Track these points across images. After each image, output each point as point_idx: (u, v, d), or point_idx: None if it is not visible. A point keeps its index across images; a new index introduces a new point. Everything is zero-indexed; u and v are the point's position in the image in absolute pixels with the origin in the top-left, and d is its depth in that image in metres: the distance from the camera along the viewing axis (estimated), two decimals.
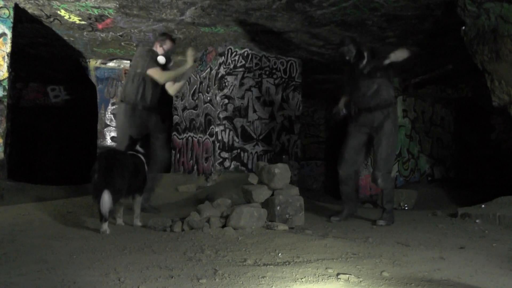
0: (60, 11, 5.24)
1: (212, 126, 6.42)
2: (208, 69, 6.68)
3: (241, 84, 6.46)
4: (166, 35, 4.66)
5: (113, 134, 7.78)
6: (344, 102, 4.50)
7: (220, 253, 2.76)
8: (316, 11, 5.00)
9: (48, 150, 11.36)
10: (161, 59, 4.46)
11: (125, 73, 7.75)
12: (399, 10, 4.88)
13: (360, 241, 3.23)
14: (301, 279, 2.20)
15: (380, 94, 4.18)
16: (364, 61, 4.22)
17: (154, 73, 4.42)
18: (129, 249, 2.83)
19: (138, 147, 3.98)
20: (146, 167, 3.92)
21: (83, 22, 5.61)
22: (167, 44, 4.54)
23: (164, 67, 4.51)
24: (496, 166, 8.29)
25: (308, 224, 3.97)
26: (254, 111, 6.56)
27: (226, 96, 6.34)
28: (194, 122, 7.09)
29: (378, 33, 5.62)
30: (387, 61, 4.09)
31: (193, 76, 7.22)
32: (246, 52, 6.48)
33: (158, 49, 4.53)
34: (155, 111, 4.61)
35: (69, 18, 5.44)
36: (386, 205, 4.23)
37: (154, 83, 4.48)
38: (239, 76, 6.44)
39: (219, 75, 6.37)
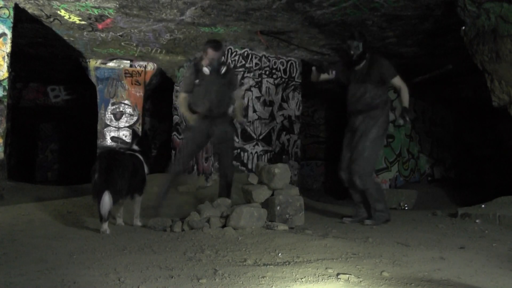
0: (60, 11, 5.25)
1: None
2: None
3: (241, 84, 6.46)
4: (208, 43, 4.38)
5: (113, 134, 7.78)
6: (321, 77, 4.49)
7: (220, 253, 2.76)
8: (316, 11, 5.00)
9: (48, 150, 11.37)
10: (206, 70, 4.28)
11: (125, 73, 7.76)
12: (399, 10, 4.88)
13: (360, 241, 3.23)
14: (301, 279, 2.20)
15: (365, 98, 4.19)
16: (362, 65, 4.24)
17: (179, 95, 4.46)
18: (129, 249, 2.83)
19: (134, 146, 3.97)
20: (145, 166, 3.92)
21: (83, 22, 5.61)
22: (209, 53, 4.27)
23: (217, 74, 4.31)
24: (496, 166, 8.29)
25: (308, 224, 3.97)
26: (254, 111, 6.56)
27: None
28: None
29: (378, 33, 5.62)
30: (390, 81, 4.18)
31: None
32: (246, 52, 6.49)
33: (204, 59, 4.32)
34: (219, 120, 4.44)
35: (69, 18, 5.44)
36: (374, 205, 4.21)
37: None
38: (239, 76, 6.44)
39: None
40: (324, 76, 4.49)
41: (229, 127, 4.50)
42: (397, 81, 4.20)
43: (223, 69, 4.36)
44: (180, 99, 4.48)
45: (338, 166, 4.40)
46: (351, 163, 4.22)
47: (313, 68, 4.54)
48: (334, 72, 4.38)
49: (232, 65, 6.37)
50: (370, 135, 4.16)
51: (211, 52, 4.28)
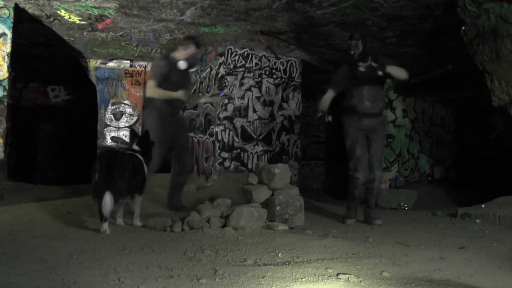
0: (60, 11, 5.24)
1: (212, 126, 6.42)
2: (208, 69, 6.68)
3: (241, 84, 6.46)
4: (191, 39, 4.38)
5: (113, 134, 7.78)
6: (328, 103, 4.49)
7: (220, 253, 2.77)
8: (316, 11, 5.00)
9: (48, 150, 11.35)
10: (182, 64, 4.24)
11: (125, 73, 7.75)
12: (399, 10, 4.88)
13: (360, 241, 3.23)
14: (301, 279, 2.20)
15: (379, 100, 4.27)
16: (366, 64, 4.24)
17: (148, 85, 4.28)
18: (129, 249, 2.83)
19: (134, 146, 3.96)
20: (145, 166, 3.92)
21: (83, 22, 5.61)
22: (191, 49, 4.26)
23: (185, 72, 4.33)
24: (496, 166, 8.28)
25: (308, 224, 3.97)
26: (254, 111, 6.56)
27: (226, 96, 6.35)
28: (194, 122, 7.09)
29: (378, 33, 5.62)
30: (385, 69, 4.19)
31: (193, 76, 7.23)
32: (246, 52, 6.49)
33: (181, 52, 4.29)
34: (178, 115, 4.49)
35: (69, 18, 5.44)
36: (373, 203, 4.27)
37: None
38: (239, 76, 6.44)
39: (219, 75, 6.37)
40: (329, 97, 4.51)
41: (184, 119, 4.55)
42: (395, 68, 4.24)
43: (194, 68, 4.38)
44: (155, 89, 4.25)
45: (355, 166, 4.26)
46: (372, 165, 4.24)
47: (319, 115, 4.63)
48: (330, 117, 4.48)
49: (232, 66, 6.39)
50: (383, 137, 4.34)
51: (193, 48, 4.26)
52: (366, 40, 4.33)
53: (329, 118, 4.47)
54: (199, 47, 4.35)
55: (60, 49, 6.85)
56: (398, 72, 4.23)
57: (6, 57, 5.00)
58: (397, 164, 8.10)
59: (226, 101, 6.31)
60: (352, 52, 4.26)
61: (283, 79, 6.82)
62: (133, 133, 4.25)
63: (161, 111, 4.30)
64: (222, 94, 4.73)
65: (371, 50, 4.52)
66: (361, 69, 4.24)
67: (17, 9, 5.07)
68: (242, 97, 6.46)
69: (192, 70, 4.39)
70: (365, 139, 4.31)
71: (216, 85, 6.41)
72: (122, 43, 6.52)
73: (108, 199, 3.32)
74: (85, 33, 6.04)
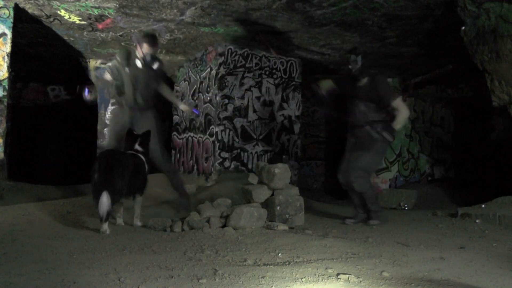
0: (60, 11, 5.24)
1: (212, 126, 6.42)
2: (208, 69, 6.69)
3: (241, 84, 6.46)
4: (144, 37, 4.31)
5: None
6: (329, 84, 4.47)
7: (220, 253, 2.77)
8: (316, 11, 5.00)
9: (48, 150, 11.35)
10: (138, 63, 4.24)
11: None
12: (399, 10, 4.88)
13: (360, 241, 3.23)
14: (301, 279, 2.20)
15: (369, 115, 4.22)
16: (361, 83, 4.25)
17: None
18: (129, 249, 2.83)
19: (137, 147, 3.95)
20: (146, 166, 3.92)
21: (83, 22, 5.61)
22: (144, 47, 4.22)
23: (149, 68, 4.29)
24: (496, 166, 8.28)
25: (308, 224, 3.97)
26: (254, 111, 6.56)
27: (226, 96, 6.35)
28: (194, 122, 7.09)
29: (378, 33, 5.62)
30: (390, 103, 4.19)
31: (193, 76, 7.23)
32: (246, 52, 6.49)
33: (138, 51, 4.26)
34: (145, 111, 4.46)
35: (69, 18, 5.44)
36: (371, 207, 4.25)
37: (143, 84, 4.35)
38: (239, 76, 6.45)
39: (219, 75, 6.37)
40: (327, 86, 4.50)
41: (152, 118, 4.49)
42: (397, 103, 4.22)
43: (156, 65, 4.35)
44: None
45: (338, 168, 4.41)
46: (348, 167, 4.26)
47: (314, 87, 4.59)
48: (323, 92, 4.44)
49: (232, 66, 6.39)
50: (373, 147, 4.21)
51: (146, 47, 4.22)
52: (366, 55, 4.34)
53: (322, 92, 4.44)
54: (153, 45, 4.27)
55: (60, 49, 6.86)
56: (402, 112, 4.21)
57: (6, 57, 5.00)
58: (397, 164, 8.10)
59: (226, 100, 6.33)
60: (350, 66, 4.28)
61: (283, 79, 6.83)
62: (130, 133, 4.16)
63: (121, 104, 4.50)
64: (195, 110, 4.62)
65: (371, 70, 4.43)
66: (356, 83, 4.26)
67: (17, 9, 5.07)
68: (242, 97, 6.47)
69: (155, 67, 4.32)
70: (355, 145, 4.34)
71: (216, 85, 6.42)
72: (122, 43, 6.53)
73: (105, 199, 3.31)
74: (85, 33, 6.04)
